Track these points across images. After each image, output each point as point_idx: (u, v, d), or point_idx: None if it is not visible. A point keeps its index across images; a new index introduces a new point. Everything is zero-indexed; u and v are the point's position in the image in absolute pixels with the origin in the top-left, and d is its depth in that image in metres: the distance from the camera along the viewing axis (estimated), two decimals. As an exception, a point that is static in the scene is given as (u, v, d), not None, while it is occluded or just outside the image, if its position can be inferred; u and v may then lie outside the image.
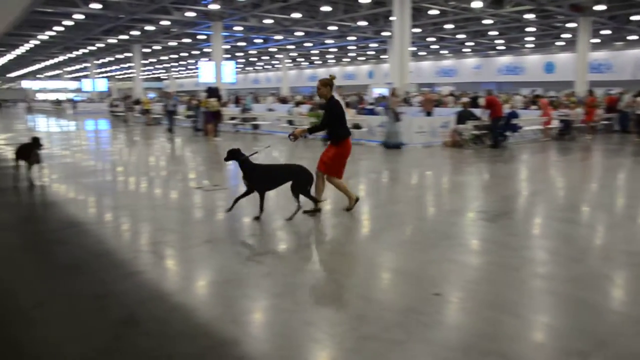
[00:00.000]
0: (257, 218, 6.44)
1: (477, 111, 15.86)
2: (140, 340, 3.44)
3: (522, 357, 3.27)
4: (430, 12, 29.15)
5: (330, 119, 6.68)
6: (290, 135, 6.75)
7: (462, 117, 15.38)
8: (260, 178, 6.50)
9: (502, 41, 40.50)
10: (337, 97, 6.89)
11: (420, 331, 3.57)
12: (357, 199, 6.98)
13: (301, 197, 6.42)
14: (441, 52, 49.44)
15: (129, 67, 59.50)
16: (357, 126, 16.09)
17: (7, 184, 9.04)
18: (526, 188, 9.71)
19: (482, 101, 17.39)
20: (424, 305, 3.98)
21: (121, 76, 77.18)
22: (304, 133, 6.85)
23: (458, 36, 38.65)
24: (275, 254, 5.42)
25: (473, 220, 6.94)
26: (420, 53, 48.48)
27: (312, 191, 6.55)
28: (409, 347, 3.34)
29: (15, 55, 51.39)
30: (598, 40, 35.02)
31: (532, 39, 39.41)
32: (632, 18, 29.01)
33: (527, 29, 34.93)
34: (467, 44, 42.58)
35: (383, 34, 35.64)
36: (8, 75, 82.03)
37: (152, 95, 39.98)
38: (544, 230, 6.49)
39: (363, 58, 56.86)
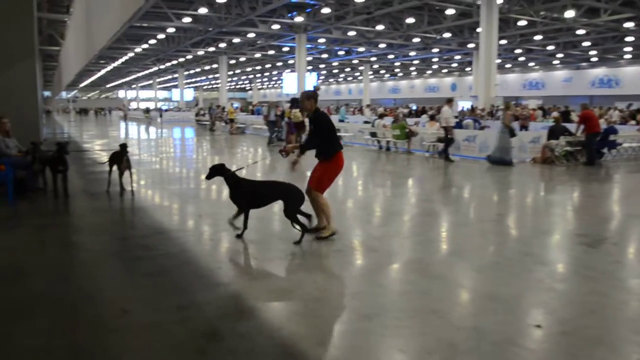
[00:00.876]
0: (239, 236, 6.03)
1: (569, 126, 15.02)
2: (225, 357, 3.36)
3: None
4: (519, 23, 28.16)
5: (322, 133, 6.05)
6: (281, 151, 6.38)
7: (555, 132, 14.58)
8: (244, 195, 6.06)
9: (595, 52, 38.44)
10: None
11: (520, 367, 3.27)
12: (333, 233, 6.09)
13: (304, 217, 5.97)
14: (529, 64, 47.65)
15: (215, 78, 61.65)
16: (441, 140, 15.63)
17: (100, 189, 9.44)
18: (627, 210, 8.97)
19: (575, 116, 16.45)
20: (524, 338, 3.66)
21: (207, 86, 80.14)
22: (294, 149, 6.30)
23: (547, 47, 37.07)
24: (361, 272, 5.24)
25: (571, 244, 6.44)
26: (506, 65, 46.97)
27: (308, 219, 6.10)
28: (509, 385, 3.05)
29: (112, 67, 54.55)
30: None
31: (631, 49, 37.09)
32: None
33: (626, 39, 32.91)
34: (557, 55, 40.78)
35: (468, 45, 34.81)
36: (107, 86, 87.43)
37: (236, 105, 41.07)
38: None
39: (446, 70, 55.83)
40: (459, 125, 16.78)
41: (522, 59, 43.59)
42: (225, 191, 9.63)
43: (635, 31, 29.71)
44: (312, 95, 6.20)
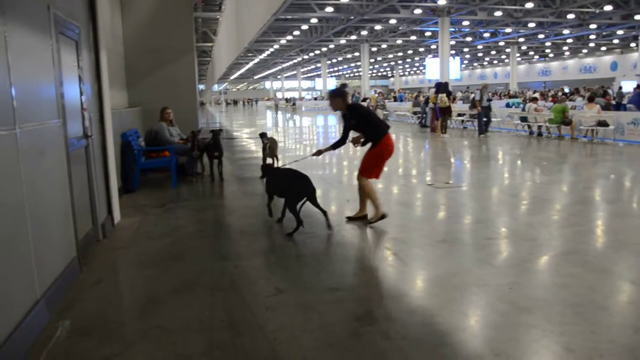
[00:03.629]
0: (279, 220, 6.25)
1: None
2: (379, 341, 3.31)
3: None
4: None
5: (359, 122, 5.95)
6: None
7: None
8: (269, 180, 6.36)
9: None
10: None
11: None
12: (383, 216, 6.01)
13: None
14: None
15: (357, 66, 62.27)
16: (603, 124, 14.29)
17: (250, 174, 9.92)
18: None
19: None
20: None
21: (349, 75, 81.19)
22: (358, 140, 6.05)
23: None
24: (516, 262, 4.92)
25: None
26: (679, 39, 41.64)
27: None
28: None
29: (259, 59, 57.37)
30: None
31: None
32: None
33: None
34: None
35: (635, 17, 31.32)
36: (254, 77, 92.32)
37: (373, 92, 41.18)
38: None
39: (605, 48, 50.90)
40: (622, 107, 15.22)
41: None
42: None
43: None
44: (338, 94, 6.09)
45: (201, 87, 64.08)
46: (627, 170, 10.56)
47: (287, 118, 37.17)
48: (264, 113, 47.10)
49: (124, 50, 10.17)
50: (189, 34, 11.32)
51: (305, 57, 56.38)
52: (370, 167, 6.08)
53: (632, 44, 42.98)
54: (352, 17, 31.22)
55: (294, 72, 76.78)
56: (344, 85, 6.39)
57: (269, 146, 9.51)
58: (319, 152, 6.39)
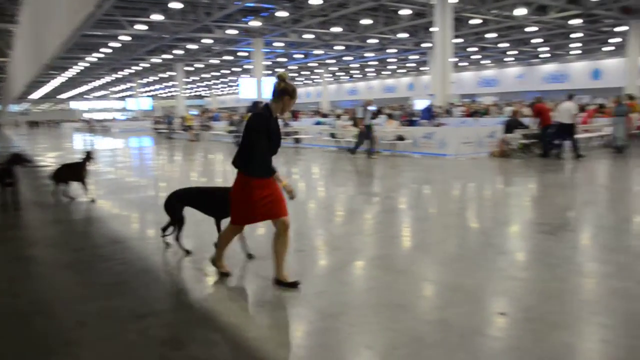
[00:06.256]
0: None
1: (525, 120, 15.38)
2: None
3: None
4: (472, 21, 28.73)
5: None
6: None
7: (510, 126, 14.89)
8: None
9: (546, 48, 39.54)
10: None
11: (487, 356, 3.26)
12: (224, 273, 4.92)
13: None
14: (483, 62, 48.69)
15: (172, 86, 60.87)
16: (401, 138, 15.77)
17: (49, 200, 9.12)
18: (582, 198, 9.19)
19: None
20: (489, 327, 3.67)
21: (164, 94, 79.03)
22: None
23: (500, 45, 37.94)
24: (325, 271, 5.18)
25: (531, 233, 6.55)
26: (461, 64, 47.85)
27: None
28: (476, 374, 3.03)
29: (65, 78, 53.21)
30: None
31: (578, 45, 38.33)
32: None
33: (573, 35, 33.99)
34: (509, 52, 41.79)
35: (423, 45, 35.29)
36: (60, 97, 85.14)
37: (193, 112, 40.53)
38: (607, 243, 6.01)
39: (403, 70, 56.48)
40: (415, 123, 17.00)
41: (476, 57, 44.49)
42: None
43: (581, 27, 30.65)
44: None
45: (-5, 107, 57.38)
46: (424, 178, 11.74)
47: (96, 140, 34.90)
48: (71, 136, 43.61)
49: None
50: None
51: (117, 76, 53.71)
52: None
53: (424, 68, 48.23)
54: (165, 36, 30.54)
55: (106, 91, 72.60)
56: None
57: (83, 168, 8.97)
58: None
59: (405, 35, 33.14)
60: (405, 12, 27.11)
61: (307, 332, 3.78)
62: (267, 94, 32.99)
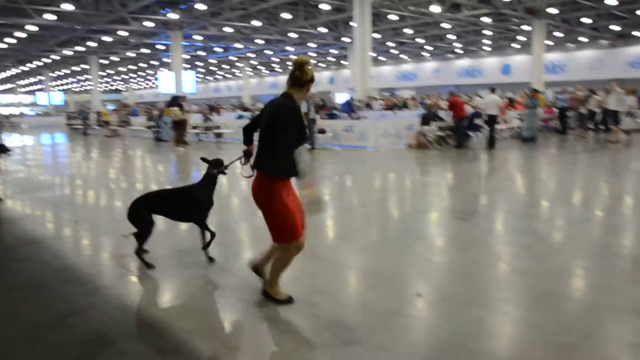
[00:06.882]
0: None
1: (441, 112, 16.03)
2: (113, 359, 3.22)
3: (510, 354, 3.20)
4: (390, 17, 29.44)
5: None
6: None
7: (427, 119, 15.48)
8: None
9: (460, 45, 41.19)
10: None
11: (405, 334, 3.46)
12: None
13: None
14: (401, 56, 49.99)
15: (86, 80, 58.29)
16: (322, 131, 16.00)
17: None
18: (494, 185, 9.76)
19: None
20: (407, 307, 3.88)
21: (78, 89, 75.47)
22: None
23: (417, 40, 39.14)
24: (245, 263, 5.23)
25: (447, 219, 6.91)
26: (380, 58, 48.91)
27: None
28: (394, 351, 3.22)
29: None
30: (552, 43, 36.01)
31: (489, 42, 40.29)
32: (583, 20, 29.97)
33: (484, 32, 35.63)
34: (426, 48, 43.20)
35: (343, 39, 35.81)
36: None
37: (110, 107, 39.03)
38: (515, 226, 6.46)
39: (324, 65, 57.01)
40: (335, 116, 17.32)
41: (395, 51, 45.64)
42: (103, 195, 9.21)
43: (491, 25, 32.20)
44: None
45: None
46: (345, 170, 12.00)
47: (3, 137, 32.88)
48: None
49: None
50: None
51: (25, 68, 50.78)
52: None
53: (344, 62, 48.93)
54: (77, 27, 29.19)
55: (12, 85, 68.47)
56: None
57: None
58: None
59: (325, 30, 33.51)
60: (324, 6, 27.40)
61: (233, 322, 3.85)
62: (186, 88, 32.41)
